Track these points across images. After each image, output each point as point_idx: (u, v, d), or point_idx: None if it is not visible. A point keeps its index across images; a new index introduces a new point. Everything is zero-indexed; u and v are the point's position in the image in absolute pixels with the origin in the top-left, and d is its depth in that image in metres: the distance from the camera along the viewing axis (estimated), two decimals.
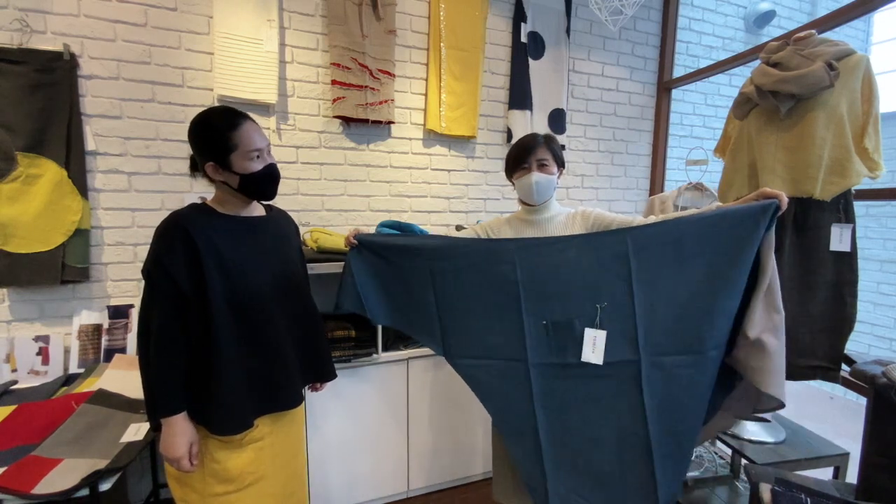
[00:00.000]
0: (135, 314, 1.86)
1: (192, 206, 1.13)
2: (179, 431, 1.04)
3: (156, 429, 1.08)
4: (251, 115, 1.15)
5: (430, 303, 1.22)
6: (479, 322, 1.20)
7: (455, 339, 1.22)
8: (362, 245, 1.24)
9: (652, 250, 1.12)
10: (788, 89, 1.49)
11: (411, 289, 1.24)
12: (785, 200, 1.06)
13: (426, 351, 1.98)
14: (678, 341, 1.12)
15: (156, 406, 1.05)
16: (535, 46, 2.51)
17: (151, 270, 1.03)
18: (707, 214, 1.12)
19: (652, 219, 1.21)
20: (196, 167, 1.16)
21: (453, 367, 1.23)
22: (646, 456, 1.15)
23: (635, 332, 1.12)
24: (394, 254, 1.24)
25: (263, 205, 1.27)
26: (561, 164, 1.36)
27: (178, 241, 1.03)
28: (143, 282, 1.06)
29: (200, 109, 1.91)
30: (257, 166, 1.10)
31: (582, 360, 1.13)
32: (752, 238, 1.06)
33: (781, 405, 1.08)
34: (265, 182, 1.13)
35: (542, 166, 1.31)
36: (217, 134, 1.07)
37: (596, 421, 1.17)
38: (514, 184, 1.39)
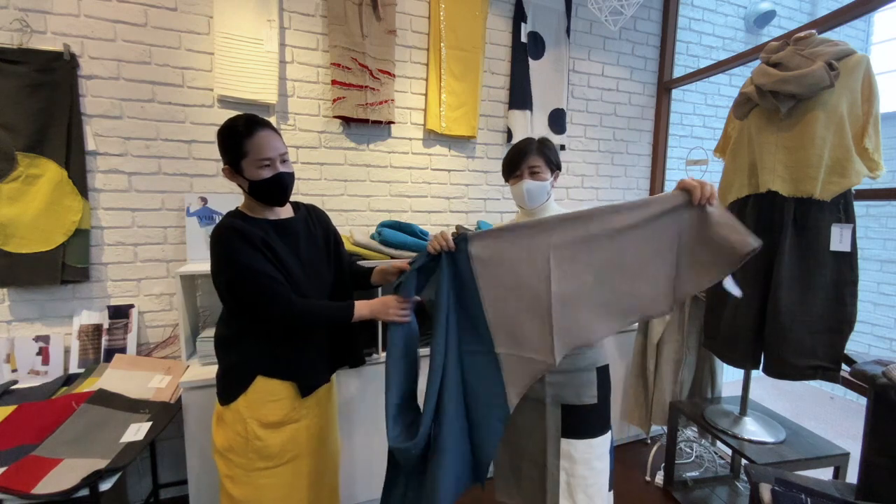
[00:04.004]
0: (135, 314, 1.86)
1: (229, 215, 1.20)
2: (370, 307, 1.26)
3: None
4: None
5: None
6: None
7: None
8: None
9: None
10: (789, 89, 1.49)
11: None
12: (697, 194, 1.02)
13: (426, 351, 1.98)
14: None
15: (345, 321, 1.24)
16: (535, 46, 2.51)
17: (235, 276, 1.12)
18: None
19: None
20: None
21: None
22: None
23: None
24: None
25: (291, 203, 1.33)
26: (556, 167, 1.37)
27: (239, 240, 1.12)
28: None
29: (201, 109, 1.93)
30: (266, 174, 1.15)
31: None
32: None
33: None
34: (272, 190, 1.18)
35: (533, 173, 1.33)
36: (233, 140, 1.14)
37: None
38: (510, 188, 1.41)
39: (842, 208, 1.52)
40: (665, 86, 2.85)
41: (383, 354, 1.91)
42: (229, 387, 1.20)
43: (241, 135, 1.12)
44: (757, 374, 1.83)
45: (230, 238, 1.12)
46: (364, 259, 1.83)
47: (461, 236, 1.25)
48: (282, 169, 1.18)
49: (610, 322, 1.14)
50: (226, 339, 1.23)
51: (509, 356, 1.21)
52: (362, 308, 1.25)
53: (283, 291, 1.14)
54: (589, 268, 1.13)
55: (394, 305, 1.27)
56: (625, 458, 2.35)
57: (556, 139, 2.60)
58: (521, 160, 1.33)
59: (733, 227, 1.01)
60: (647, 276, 1.09)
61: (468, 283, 1.24)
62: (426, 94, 2.31)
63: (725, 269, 1.03)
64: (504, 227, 1.26)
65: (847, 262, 1.53)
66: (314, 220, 1.35)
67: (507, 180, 1.41)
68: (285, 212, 1.29)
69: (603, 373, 1.34)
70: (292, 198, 1.31)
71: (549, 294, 1.14)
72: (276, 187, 1.18)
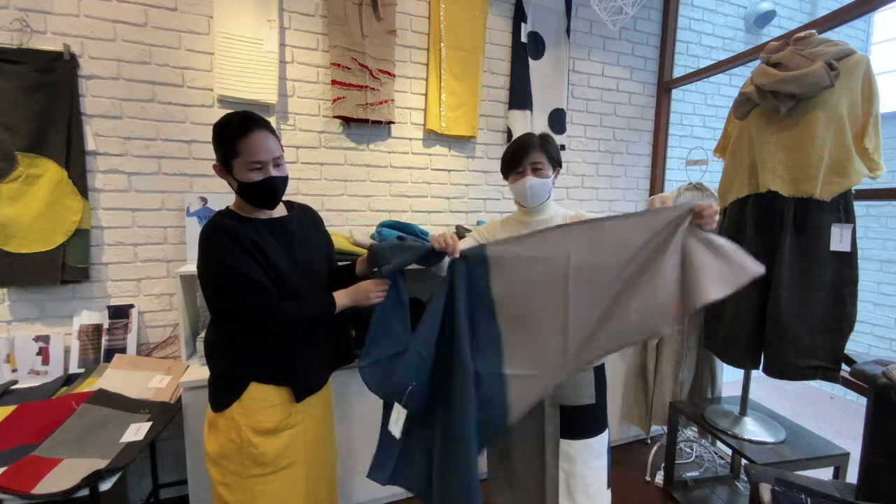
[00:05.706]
0: (135, 314, 1.86)
1: (220, 214, 1.17)
2: (350, 295, 1.24)
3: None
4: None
5: None
6: None
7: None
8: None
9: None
10: (789, 89, 1.49)
11: None
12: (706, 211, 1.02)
13: None
14: None
15: (328, 314, 1.22)
16: (535, 46, 2.51)
17: (221, 279, 1.08)
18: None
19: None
20: None
21: None
22: None
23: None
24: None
25: (284, 203, 1.30)
26: (557, 164, 1.34)
27: (229, 241, 1.09)
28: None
29: (201, 109, 1.93)
30: (256, 177, 1.12)
31: None
32: None
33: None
34: (260, 194, 1.15)
35: (536, 170, 1.30)
36: (226, 138, 1.10)
37: None
38: (509, 185, 1.38)
39: (842, 208, 1.52)
40: (665, 86, 2.85)
41: None
42: (222, 394, 1.17)
43: (235, 133, 1.09)
44: (757, 374, 1.83)
45: (220, 238, 1.09)
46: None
47: (476, 252, 1.24)
48: (274, 173, 1.13)
49: (617, 341, 1.12)
50: (216, 344, 1.19)
51: (519, 377, 1.19)
52: (342, 297, 1.23)
53: (268, 299, 1.11)
54: (604, 289, 1.12)
55: (372, 289, 1.25)
56: (625, 458, 2.35)
57: (556, 139, 2.58)
58: (522, 156, 1.30)
59: (737, 251, 1.01)
60: (656, 294, 1.06)
61: (482, 298, 1.23)
62: (426, 94, 2.31)
63: (727, 289, 1.00)
64: (518, 243, 1.22)
65: (847, 262, 1.53)
66: (309, 221, 1.32)
67: (506, 177, 1.38)
68: (278, 211, 1.26)
69: (599, 372, 1.34)
70: (291, 198, 1.30)
71: (566, 317, 1.14)
72: (265, 191, 1.14)
